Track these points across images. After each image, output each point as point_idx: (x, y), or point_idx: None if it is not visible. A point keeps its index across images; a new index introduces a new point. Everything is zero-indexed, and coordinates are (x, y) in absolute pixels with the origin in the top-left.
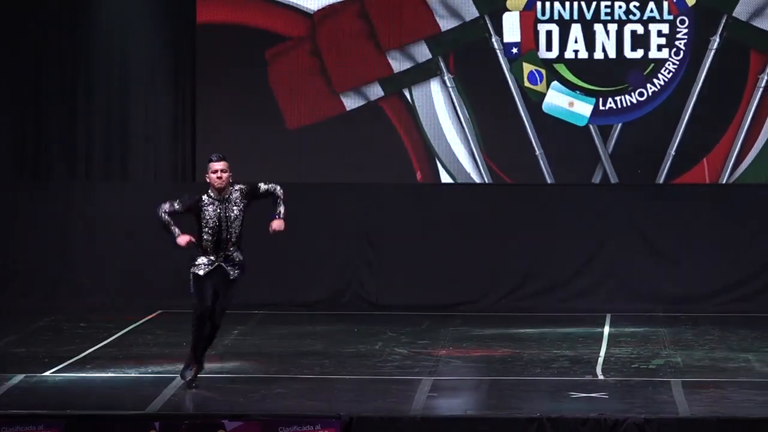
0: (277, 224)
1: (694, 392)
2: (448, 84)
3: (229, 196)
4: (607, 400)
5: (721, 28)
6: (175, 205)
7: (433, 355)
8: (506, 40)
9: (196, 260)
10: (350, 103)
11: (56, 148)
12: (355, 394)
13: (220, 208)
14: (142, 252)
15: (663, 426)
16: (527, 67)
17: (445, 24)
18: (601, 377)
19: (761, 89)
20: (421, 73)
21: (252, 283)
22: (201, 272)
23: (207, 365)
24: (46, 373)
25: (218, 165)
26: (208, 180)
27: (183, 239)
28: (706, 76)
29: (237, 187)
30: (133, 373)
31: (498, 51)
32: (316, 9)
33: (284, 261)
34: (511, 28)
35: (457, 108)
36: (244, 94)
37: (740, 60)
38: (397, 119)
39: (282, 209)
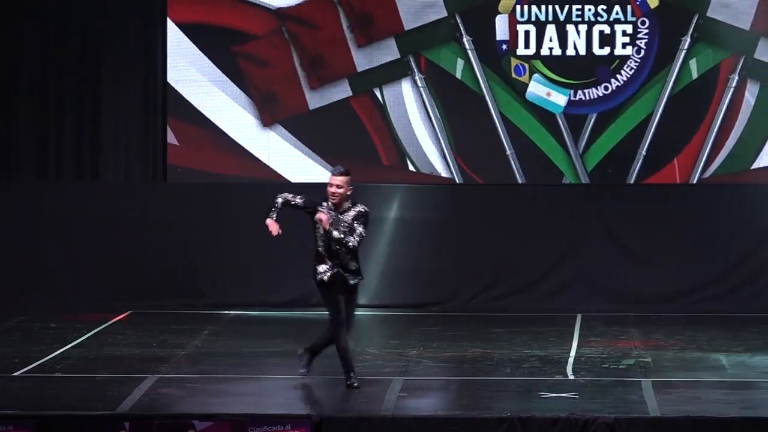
0: (325, 218)
1: (664, 392)
2: (419, 84)
3: (344, 212)
4: (577, 400)
5: (692, 29)
6: (297, 198)
7: (404, 355)
8: (498, 38)
9: (317, 268)
10: (319, 101)
11: (26, 148)
12: (326, 394)
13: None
14: (112, 252)
15: (633, 426)
16: (514, 61)
17: (414, 22)
18: (571, 377)
19: (732, 89)
20: (393, 72)
21: (223, 284)
22: (324, 278)
23: (178, 365)
24: (16, 374)
25: (336, 180)
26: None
27: (271, 223)
28: (677, 76)
29: (358, 207)
30: (103, 374)
31: (470, 51)
32: (284, 6)
33: (255, 261)
34: (502, 28)
35: (428, 108)
36: (215, 93)
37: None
38: (368, 118)
39: (351, 237)
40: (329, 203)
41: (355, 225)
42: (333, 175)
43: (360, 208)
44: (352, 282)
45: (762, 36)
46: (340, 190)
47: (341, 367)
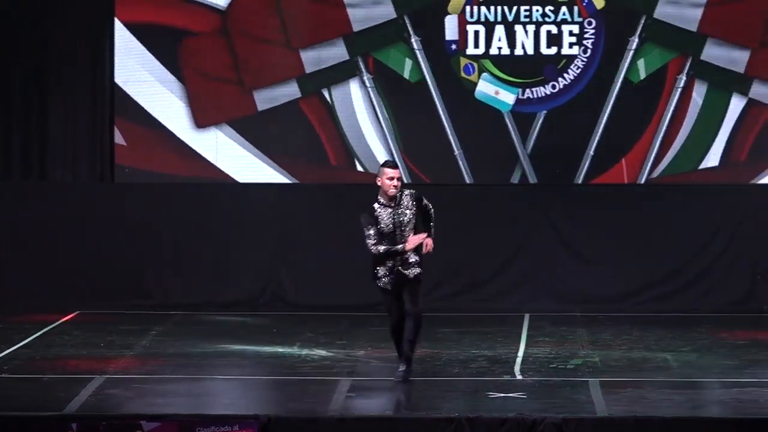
0: (430, 243)
1: (611, 392)
2: (368, 84)
3: (400, 201)
4: (525, 400)
5: (639, 29)
6: (371, 232)
7: (352, 356)
8: (447, 38)
9: (377, 272)
10: (267, 101)
11: None
12: (274, 394)
13: (393, 214)
14: (60, 252)
15: (581, 426)
16: (463, 61)
17: (362, 24)
18: (519, 377)
19: (679, 90)
20: (341, 73)
21: (170, 284)
22: (386, 287)
23: (126, 364)
24: None
25: (394, 172)
26: (379, 184)
27: (410, 245)
28: (624, 77)
29: (407, 192)
30: (50, 374)
31: (418, 51)
32: (231, 6)
33: (202, 262)
34: (452, 28)
35: (376, 108)
36: (162, 93)
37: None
38: (316, 119)
39: (432, 229)
40: (381, 197)
41: (429, 212)
42: (389, 168)
43: (408, 190)
44: (410, 276)
45: (709, 38)
46: (399, 182)
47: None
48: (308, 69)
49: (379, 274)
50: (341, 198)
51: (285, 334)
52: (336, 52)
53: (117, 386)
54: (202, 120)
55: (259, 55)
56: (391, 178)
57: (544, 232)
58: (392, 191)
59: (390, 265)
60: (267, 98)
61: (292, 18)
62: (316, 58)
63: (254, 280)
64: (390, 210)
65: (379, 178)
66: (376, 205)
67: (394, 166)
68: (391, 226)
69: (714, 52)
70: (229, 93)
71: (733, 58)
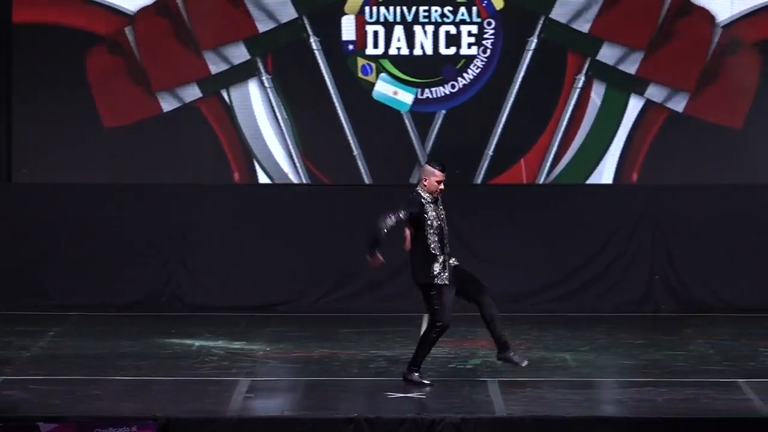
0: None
1: (510, 392)
2: (266, 84)
3: (438, 198)
4: (424, 400)
5: (538, 30)
6: (401, 214)
7: (251, 356)
8: (344, 38)
9: (431, 270)
10: (167, 104)
11: None
12: (172, 395)
13: (437, 210)
14: None
15: (479, 426)
16: (361, 61)
17: (264, 26)
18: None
19: (578, 90)
20: (239, 73)
21: (68, 284)
22: (447, 282)
23: (23, 367)
24: None
25: (443, 176)
26: (425, 184)
27: (377, 261)
28: (523, 77)
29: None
30: None
31: (317, 51)
32: (133, 9)
33: (101, 262)
34: (349, 28)
35: (275, 108)
36: (61, 95)
37: (557, 61)
38: (215, 120)
39: None
40: (424, 192)
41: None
42: (440, 171)
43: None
44: (456, 263)
45: (603, 40)
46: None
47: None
48: (210, 71)
49: (435, 272)
50: (241, 199)
51: (184, 334)
52: (237, 54)
53: (14, 387)
54: (103, 121)
55: (163, 58)
56: (440, 181)
57: None
58: (438, 193)
59: (442, 260)
60: (168, 100)
61: (196, 20)
62: (217, 59)
63: (153, 280)
64: (434, 206)
65: (427, 177)
66: (423, 200)
67: (444, 169)
68: (438, 221)
69: (609, 53)
70: (130, 95)
71: (627, 60)
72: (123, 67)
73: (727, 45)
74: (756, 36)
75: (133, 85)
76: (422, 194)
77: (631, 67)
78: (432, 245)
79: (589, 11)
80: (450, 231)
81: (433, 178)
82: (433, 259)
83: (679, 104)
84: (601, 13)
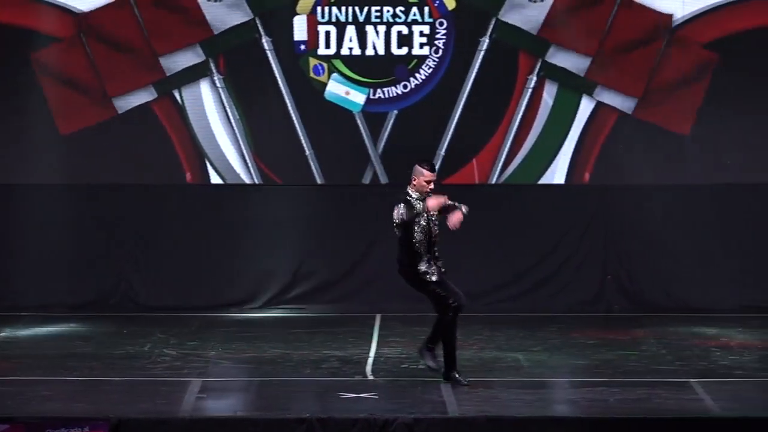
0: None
1: (463, 392)
2: (218, 84)
3: (425, 198)
4: (376, 401)
5: (490, 30)
6: (402, 215)
7: (203, 356)
8: (296, 39)
9: (418, 269)
10: (121, 105)
11: None
12: (124, 396)
13: (424, 207)
14: None
15: (432, 426)
16: (312, 61)
17: (218, 27)
18: (371, 377)
19: (530, 90)
20: (192, 73)
21: (20, 285)
22: (434, 277)
23: None
24: None
25: (432, 176)
26: (414, 184)
27: (433, 202)
28: (475, 77)
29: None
30: None
31: (268, 51)
32: (86, 10)
33: (53, 262)
34: (300, 29)
35: (227, 109)
36: (14, 97)
37: (509, 61)
38: (167, 120)
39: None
40: (413, 192)
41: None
42: (428, 171)
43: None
44: (444, 269)
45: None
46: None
47: (444, 357)
48: (164, 72)
49: (422, 269)
50: (193, 199)
51: (136, 335)
52: (192, 55)
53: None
54: (57, 124)
55: (117, 61)
56: (428, 181)
57: (395, 232)
58: (426, 192)
59: (428, 258)
60: (122, 102)
61: (150, 22)
62: (172, 61)
63: (105, 280)
64: (421, 204)
65: (416, 177)
66: (411, 199)
67: (434, 170)
68: (425, 221)
69: (558, 56)
70: (84, 97)
71: (575, 63)
72: (75, 68)
73: (557, 18)
74: (706, 37)
75: (86, 87)
76: (411, 194)
77: (580, 71)
78: (417, 244)
79: (538, 14)
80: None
81: (422, 178)
82: (418, 257)
83: (628, 107)
84: (550, 17)
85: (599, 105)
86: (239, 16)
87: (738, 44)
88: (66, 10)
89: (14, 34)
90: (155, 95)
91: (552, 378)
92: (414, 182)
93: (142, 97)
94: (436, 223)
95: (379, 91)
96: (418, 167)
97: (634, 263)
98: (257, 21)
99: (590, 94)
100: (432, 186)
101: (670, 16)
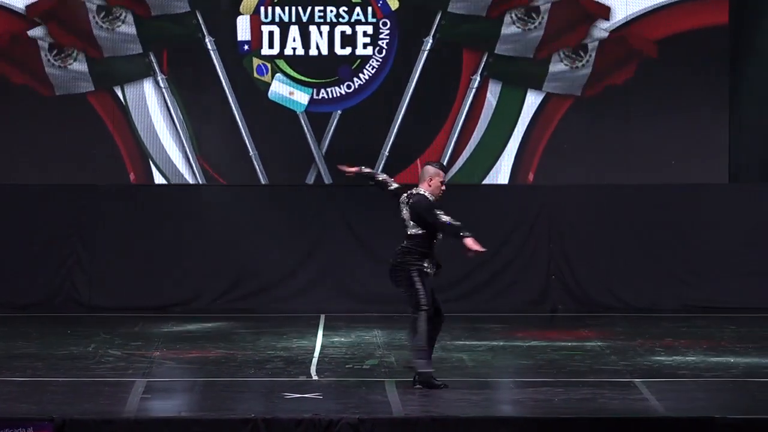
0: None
1: (407, 392)
2: (162, 84)
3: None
4: (321, 401)
5: (434, 30)
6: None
7: (147, 357)
8: (239, 39)
9: (421, 264)
10: (63, 103)
11: None
12: (68, 396)
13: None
14: None
15: (376, 426)
16: (256, 61)
17: (156, 11)
18: (315, 378)
19: (474, 90)
20: (134, 71)
21: None
22: (429, 271)
23: None
24: None
25: (445, 177)
26: (430, 185)
27: (473, 243)
28: (419, 78)
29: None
30: None
31: (212, 51)
32: (29, 4)
33: (1, 262)
34: (244, 29)
35: (171, 108)
36: None
37: (453, 61)
38: (110, 119)
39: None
40: (429, 195)
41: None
42: (444, 172)
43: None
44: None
45: (499, 25)
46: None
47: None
48: (104, 55)
49: (424, 265)
50: (137, 200)
51: (79, 335)
52: (133, 48)
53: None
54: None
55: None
56: (443, 182)
57: (340, 232)
58: (439, 193)
59: (430, 259)
60: (63, 101)
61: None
62: (110, 43)
63: (49, 281)
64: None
65: (432, 177)
66: (431, 199)
67: (446, 170)
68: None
69: (505, 49)
70: (27, 94)
71: (525, 45)
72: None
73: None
74: (652, 35)
75: (25, 82)
76: (428, 196)
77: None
78: (435, 243)
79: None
80: (350, 233)
81: (437, 178)
82: (425, 257)
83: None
84: (494, 8)
85: (547, 96)
86: (178, 6)
87: (675, 44)
88: (8, 9)
89: None
90: (93, 86)
91: (497, 378)
92: (429, 183)
93: (82, 89)
94: None
95: (322, 91)
96: (431, 168)
97: (579, 263)
98: (200, 20)
99: (537, 86)
100: (444, 187)
101: (616, 12)
